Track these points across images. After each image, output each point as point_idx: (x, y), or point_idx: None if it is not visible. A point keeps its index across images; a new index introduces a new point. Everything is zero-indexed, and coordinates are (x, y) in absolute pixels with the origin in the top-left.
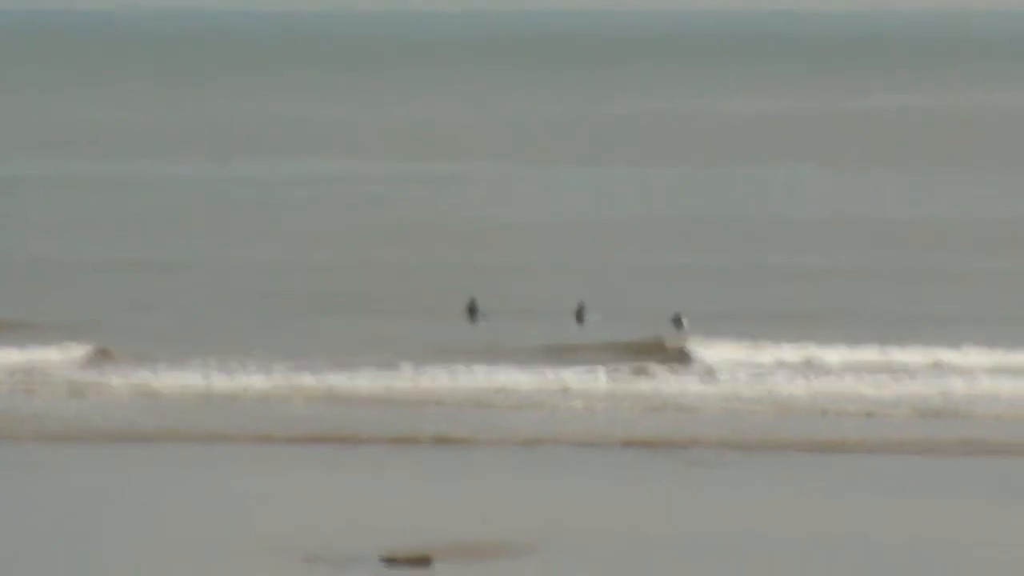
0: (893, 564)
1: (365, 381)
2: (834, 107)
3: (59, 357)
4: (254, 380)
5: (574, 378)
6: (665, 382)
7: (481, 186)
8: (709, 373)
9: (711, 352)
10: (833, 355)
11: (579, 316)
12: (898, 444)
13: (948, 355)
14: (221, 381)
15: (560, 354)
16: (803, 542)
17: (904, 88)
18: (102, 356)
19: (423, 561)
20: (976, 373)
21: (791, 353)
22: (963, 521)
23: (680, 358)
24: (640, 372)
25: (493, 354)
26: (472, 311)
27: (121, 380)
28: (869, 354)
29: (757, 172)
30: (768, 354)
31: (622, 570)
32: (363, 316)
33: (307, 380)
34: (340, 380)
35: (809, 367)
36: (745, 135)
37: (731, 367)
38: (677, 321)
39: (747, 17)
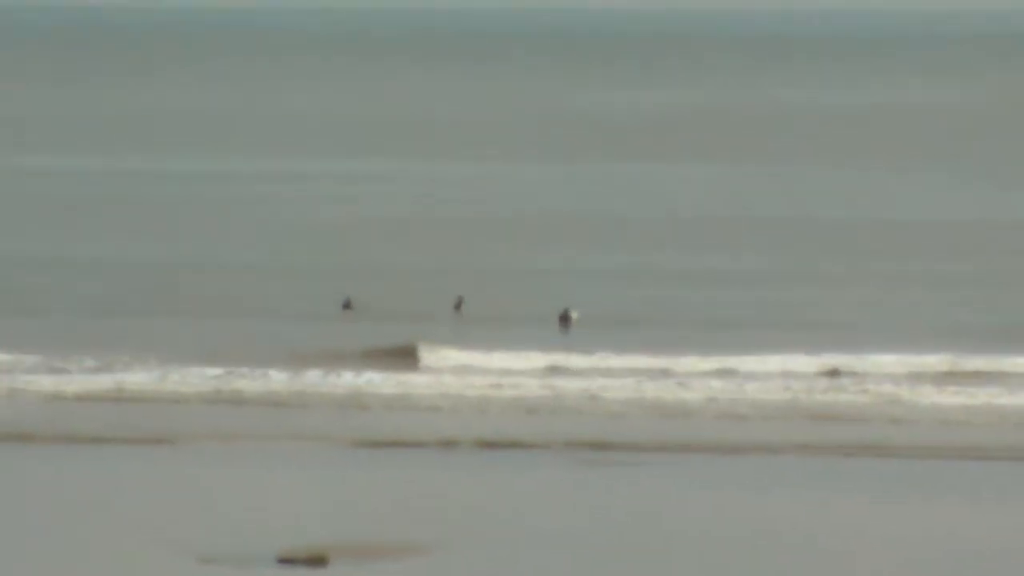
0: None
1: (249, 381)
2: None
3: None
4: (136, 378)
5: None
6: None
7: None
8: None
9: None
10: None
11: (457, 306)
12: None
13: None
14: (105, 381)
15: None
16: (698, 539)
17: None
18: None
19: (320, 561)
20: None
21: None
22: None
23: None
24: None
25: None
26: (347, 306)
27: None
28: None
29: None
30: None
31: (517, 570)
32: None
33: (195, 380)
34: (229, 380)
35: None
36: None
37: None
38: (565, 317)
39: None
